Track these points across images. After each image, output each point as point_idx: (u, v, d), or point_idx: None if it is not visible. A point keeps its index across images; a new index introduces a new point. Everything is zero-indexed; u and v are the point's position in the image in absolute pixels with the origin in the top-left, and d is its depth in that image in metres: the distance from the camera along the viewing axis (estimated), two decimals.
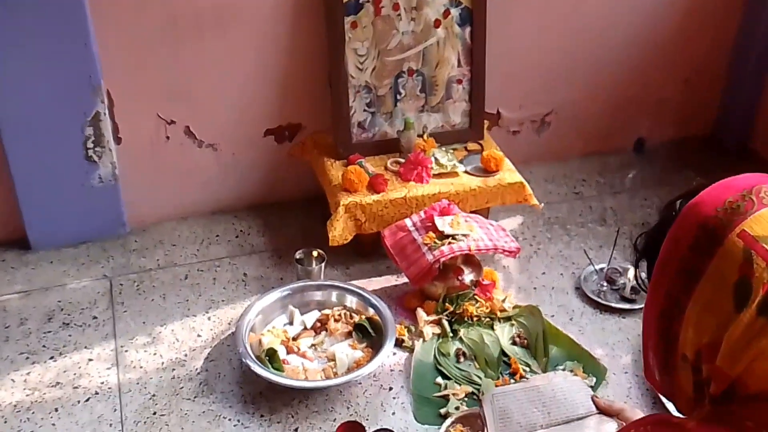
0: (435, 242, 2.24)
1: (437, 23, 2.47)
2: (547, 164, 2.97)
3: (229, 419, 1.99)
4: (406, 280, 2.40)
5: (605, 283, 2.42)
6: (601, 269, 2.47)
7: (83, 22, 2.20)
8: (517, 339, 2.21)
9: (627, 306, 2.35)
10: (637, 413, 1.65)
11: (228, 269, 2.49)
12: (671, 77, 3.00)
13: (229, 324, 2.28)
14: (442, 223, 2.28)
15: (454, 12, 2.47)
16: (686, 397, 1.03)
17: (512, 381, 2.08)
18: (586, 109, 2.94)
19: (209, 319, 2.30)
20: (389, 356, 2.12)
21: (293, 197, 2.75)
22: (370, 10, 2.40)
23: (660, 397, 1.98)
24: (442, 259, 2.22)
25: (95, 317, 2.29)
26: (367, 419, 2.00)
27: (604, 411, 1.72)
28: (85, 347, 2.19)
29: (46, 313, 2.30)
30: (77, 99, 2.31)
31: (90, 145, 2.39)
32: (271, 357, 2.08)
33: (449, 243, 2.24)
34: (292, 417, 2.00)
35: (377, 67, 2.47)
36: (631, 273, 2.41)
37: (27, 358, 2.15)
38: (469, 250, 2.25)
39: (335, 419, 2.00)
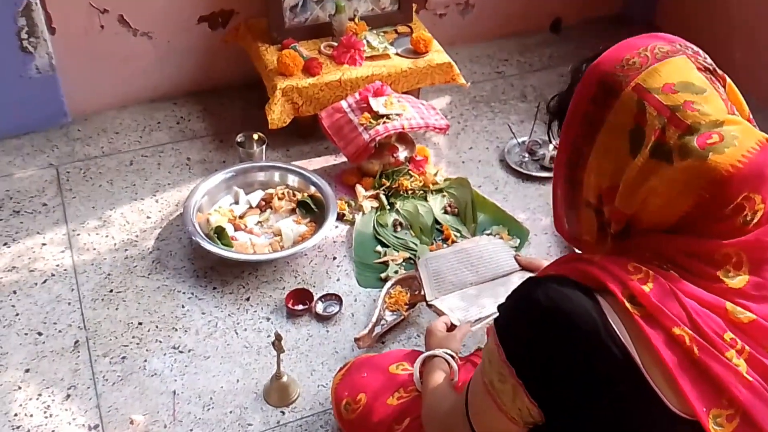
0: (370, 122, 2.22)
1: None
2: (471, 45, 2.93)
3: (183, 292, 1.99)
4: (344, 159, 2.39)
5: (527, 155, 2.46)
6: (523, 142, 2.50)
7: None
8: (448, 208, 2.24)
9: (547, 174, 2.39)
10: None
11: (171, 154, 2.42)
12: None
13: (177, 205, 2.24)
14: (377, 104, 2.25)
15: None
16: (591, 239, 1.08)
17: (444, 246, 2.13)
18: None
19: (157, 201, 2.25)
20: (332, 229, 2.14)
21: (230, 83, 2.66)
22: None
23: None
24: (378, 138, 2.20)
25: (45, 204, 2.22)
26: (313, 286, 2.03)
27: (525, 267, 1.79)
28: (38, 233, 2.13)
29: None
30: None
31: (24, 36, 2.23)
32: (219, 234, 2.06)
33: (384, 122, 2.22)
34: (243, 288, 2.01)
35: None
36: (551, 146, 2.44)
37: None
38: (402, 128, 2.23)
39: (284, 288, 2.02)
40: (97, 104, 2.53)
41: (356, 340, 1.86)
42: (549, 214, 2.26)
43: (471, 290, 1.78)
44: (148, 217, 2.20)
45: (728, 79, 1.01)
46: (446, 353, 1.51)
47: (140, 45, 2.46)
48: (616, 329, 0.91)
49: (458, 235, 2.17)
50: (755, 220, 0.94)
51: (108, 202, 2.24)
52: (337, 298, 1.98)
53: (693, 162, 0.90)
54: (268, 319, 1.94)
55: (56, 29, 2.31)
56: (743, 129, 0.93)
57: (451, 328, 1.65)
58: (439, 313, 1.73)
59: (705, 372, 0.91)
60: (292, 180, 2.26)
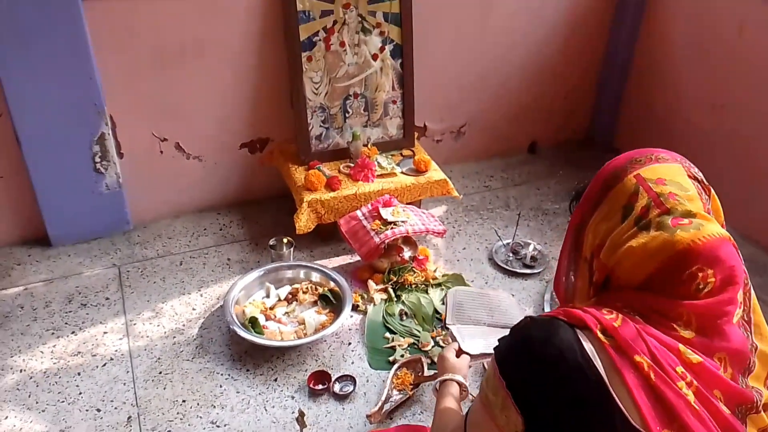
0: (381, 227, 2.25)
1: (375, 56, 2.47)
2: (463, 164, 3.00)
3: (221, 374, 1.96)
4: (358, 258, 2.40)
5: (511, 254, 2.46)
6: (508, 244, 2.51)
7: (87, 58, 2.13)
8: (446, 299, 2.24)
9: (528, 271, 2.39)
10: None
11: (215, 255, 2.44)
12: (556, 92, 3.05)
13: (218, 299, 2.24)
14: (386, 213, 2.29)
15: (388, 48, 2.47)
16: (583, 296, 1.15)
17: (443, 331, 2.11)
18: (492, 119, 2.97)
19: (201, 295, 2.26)
20: (348, 318, 2.12)
21: (265, 196, 2.71)
22: (321, 46, 2.38)
23: None
24: (387, 241, 2.23)
25: (107, 298, 2.23)
26: (331, 368, 1.99)
27: None
28: (100, 323, 2.13)
29: (66, 296, 2.23)
30: (85, 122, 2.23)
31: (98, 159, 2.31)
32: (253, 324, 2.06)
33: (392, 228, 2.25)
34: (272, 370, 1.99)
35: (329, 92, 2.45)
36: (531, 247, 2.46)
37: (52, 333, 2.08)
38: (407, 232, 2.26)
39: (306, 370, 1.99)
40: (155, 214, 2.58)
41: (368, 416, 1.81)
42: (532, 304, 2.25)
43: (483, 329, 1.76)
44: (194, 309, 2.20)
45: (713, 191, 1.11)
46: (458, 378, 1.54)
47: (192, 166, 2.53)
48: (590, 356, 0.97)
49: None
50: (707, 290, 1.00)
51: (160, 296, 2.24)
52: (352, 379, 1.94)
53: (664, 234, 0.99)
54: (293, 397, 1.90)
55: (124, 154, 2.39)
56: (711, 223, 1.02)
57: (459, 353, 1.66)
58: (452, 337, 1.72)
59: (660, 396, 0.95)
60: (315, 276, 2.26)
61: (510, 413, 1.02)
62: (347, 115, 2.51)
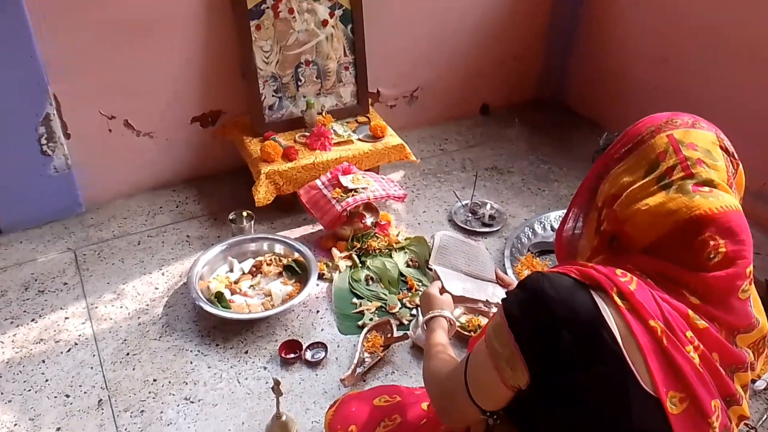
0: (342, 195, 2.24)
1: (325, 23, 2.43)
2: (417, 129, 3.00)
3: (191, 351, 1.94)
4: (320, 227, 2.40)
5: (470, 214, 2.50)
6: (466, 204, 2.54)
7: (28, 36, 2.03)
8: (410, 262, 2.26)
9: (487, 229, 2.43)
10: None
11: (173, 233, 2.39)
12: (505, 54, 3.07)
13: (180, 276, 2.20)
14: (346, 180, 2.28)
15: (338, 13, 2.44)
16: (586, 250, 1.13)
17: (409, 293, 2.14)
18: (444, 83, 2.97)
19: (163, 274, 2.21)
20: (314, 287, 2.11)
21: (220, 170, 2.66)
22: (270, 14, 2.32)
23: None
24: (349, 208, 2.22)
25: (65, 283, 2.16)
26: (302, 337, 2.00)
27: (500, 280, 1.75)
28: (60, 308, 2.07)
29: (22, 284, 2.15)
30: (29, 103, 2.14)
31: (44, 141, 2.22)
32: (219, 298, 2.03)
33: (352, 195, 2.25)
34: (242, 343, 1.98)
35: (280, 60, 2.41)
36: (488, 206, 2.49)
37: (11, 322, 2.01)
38: (368, 199, 2.26)
39: (277, 340, 1.98)
40: (108, 194, 2.50)
41: (342, 380, 1.83)
42: (494, 261, 2.28)
43: (459, 275, 1.76)
44: (156, 288, 2.16)
45: (741, 166, 1.10)
46: (446, 314, 1.50)
47: (143, 143, 2.46)
48: (606, 318, 0.96)
49: (420, 283, 2.18)
50: (716, 259, 0.99)
51: (121, 278, 2.19)
52: (323, 346, 1.95)
53: (682, 197, 0.98)
54: (265, 368, 1.90)
55: (71, 134, 2.30)
56: (730, 196, 1.01)
57: (441, 291, 1.61)
58: (435, 277, 1.71)
59: (670, 360, 0.96)
60: (278, 248, 2.25)
61: (517, 367, 1.01)
62: (300, 83, 2.47)
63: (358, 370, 1.86)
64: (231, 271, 2.19)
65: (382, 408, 1.55)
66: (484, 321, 2.00)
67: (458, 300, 1.69)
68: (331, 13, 2.42)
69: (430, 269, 1.79)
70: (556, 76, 3.18)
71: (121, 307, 2.08)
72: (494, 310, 1.70)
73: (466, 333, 1.97)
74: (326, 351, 1.93)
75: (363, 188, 2.27)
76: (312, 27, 2.41)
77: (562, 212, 2.47)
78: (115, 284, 2.17)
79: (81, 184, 2.39)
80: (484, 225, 2.45)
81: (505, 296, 1.09)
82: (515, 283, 1.76)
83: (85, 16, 2.13)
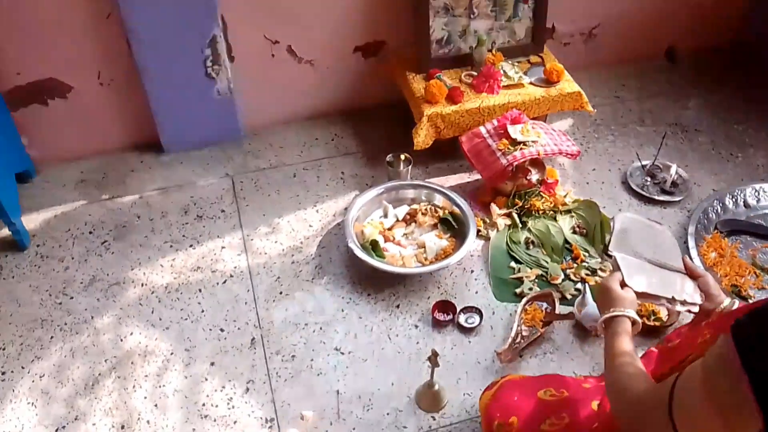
0: (508, 148, 2.03)
1: None
2: (591, 71, 2.67)
3: (342, 297, 1.88)
4: (476, 177, 2.22)
5: (648, 178, 2.21)
6: (644, 166, 2.25)
7: None
8: (577, 228, 2.04)
9: (667, 198, 2.15)
10: (714, 284, 1.46)
11: (328, 168, 2.31)
12: None
13: (334, 216, 2.13)
14: (514, 131, 2.06)
15: None
16: None
17: (575, 264, 1.94)
18: (627, 21, 2.60)
19: (317, 212, 2.15)
20: (472, 245, 1.96)
21: (377, 104, 2.51)
22: None
23: None
24: (515, 163, 2.02)
25: (223, 210, 2.15)
26: (455, 297, 1.88)
27: (689, 271, 1.50)
28: (218, 236, 2.07)
29: (182, 207, 2.16)
30: (197, 24, 2.06)
31: (209, 63, 2.16)
32: (374, 247, 1.94)
33: (521, 149, 2.03)
34: (394, 296, 1.89)
35: None
36: (672, 170, 2.19)
37: (171, 246, 2.04)
38: (538, 154, 2.03)
39: (429, 297, 1.88)
40: (266, 121, 2.44)
41: (498, 354, 1.70)
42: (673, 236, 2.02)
43: (643, 264, 1.53)
44: (311, 226, 2.10)
45: None
46: (630, 314, 1.31)
47: (304, 71, 2.35)
48: None
49: (587, 254, 1.97)
50: None
51: (276, 211, 2.15)
52: (478, 311, 1.82)
53: None
54: (416, 326, 1.81)
55: (235, 57, 2.23)
56: None
57: (622, 285, 1.40)
58: (615, 266, 1.51)
59: None
60: (436, 198, 2.10)
61: (745, 413, 0.84)
62: (472, 16, 2.22)
63: (515, 345, 1.72)
64: (385, 216, 2.08)
65: (548, 403, 1.41)
66: (662, 311, 1.77)
67: (640, 296, 1.47)
68: None
69: (610, 255, 1.57)
70: (762, 23, 2.69)
71: (276, 242, 2.05)
72: (679, 308, 1.47)
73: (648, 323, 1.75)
74: (481, 317, 1.80)
75: (533, 141, 2.05)
76: None
77: (759, 185, 2.12)
78: (271, 217, 2.13)
79: (241, 109, 2.34)
80: (664, 192, 2.17)
81: (735, 324, 0.89)
82: (706, 274, 1.52)
83: None
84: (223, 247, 2.03)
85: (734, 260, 1.92)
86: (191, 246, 2.04)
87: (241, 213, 2.14)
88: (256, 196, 2.20)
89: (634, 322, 1.37)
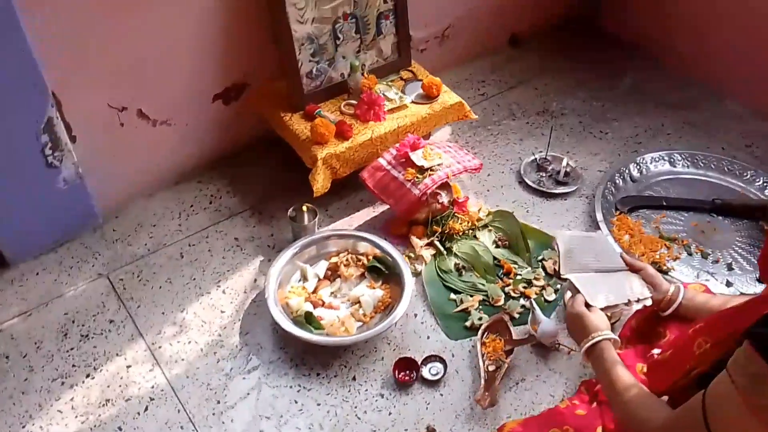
0: (417, 177, 1.92)
1: None
2: (449, 71, 2.64)
3: (290, 386, 1.66)
4: (383, 208, 2.09)
5: (542, 173, 2.24)
6: (533, 160, 2.28)
7: (12, 18, 1.53)
8: (499, 242, 2.00)
9: (565, 189, 2.19)
10: (655, 273, 1.55)
11: (218, 238, 2.02)
12: None
13: (245, 292, 1.87)
14: (417, 158, 1.95)
15: None
16: None
17: (510, 280, 1.90)
18: (475, 16, 2.59)
19: (224, 292, 1.87)
20: (411, 289, 1.82)
21: (250, 151, 2.25)
22: None
23: None
24: (428, 191, 1.91)
25: (111, 320, 1.80)
26: (409, 350, 1.75)
27: (630, 266, 1.57)
28: (117, 354, 1.72)
29: (58, 329, 1.77)
30: (26, 108, 1.66)
31: (48, 151, 1.76)
32: (308, 319, 1.74)
33: (429, 175, 1.93)
34: (345, 367, 1.71)
35: (316, 17, 1.98)
36: (564, 161, 2.23)
37: (62, 383, 1.65)
38: (447, 177, 1.95)
39: (383, 358, 1.73)
40: (127, 198, 2.08)
41: (477, 401, 1.61)
42: (582, 226, 2.07)
43: (592, 276, 1.55)
44: (223, 312, 1.83)
45: None
46: (611, 336, 1.36)
47: (161, 133, 2.02)
48: None
49: (516, 266, 1.93)
50: None
51: (175, 304, 1.84)
52: (439, 359, 1.71)
53: None
54: (382, 395, 1.65)
55: (76, 137, 1.84)
56: None
57: (585, 306, 1.44)
58: (571, 288, 1.50)
59: None
60: (359, 245, 1.92)
61: None
62: (338, 42, 2.06)
63: (489, 386, 1.63)
64: (305, 279, 1.87)
65: None
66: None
67: (604, 311, 1.48)
68: None
69: (564, 280, 1.56)
70: None
71: (189, 342, 1.75)
72: (636, 306, 1.51)
73: None
74: (444, 364, 1.69)
75: (438, 165, 1.96)
76: None
77: (645, 156, 2.24)
78: (172, 313, 1.82)
79: (94, 192, 1.96)
80: (559, 183, 2.21)
81: (756, 338, 0.93)
82: (645, 266, 1.57)
83: None
84: (128, 366, 1.69)
85: (644, 237, 2.01)
86: (88, 376, 1.67)
87: (135, 318, 1.80)
88: (144, 292, 1.87)
89: (615, 344, 1.37)
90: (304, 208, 1.96)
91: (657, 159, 2.26)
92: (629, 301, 1.50)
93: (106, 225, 2.03)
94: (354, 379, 1.68)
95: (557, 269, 1.57)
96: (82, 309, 1.82)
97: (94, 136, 1.88)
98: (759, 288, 1.86)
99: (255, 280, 1.90)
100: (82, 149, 1.86)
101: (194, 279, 1.90)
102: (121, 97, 1.87)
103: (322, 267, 1.89)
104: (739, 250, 2.00)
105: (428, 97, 2.14)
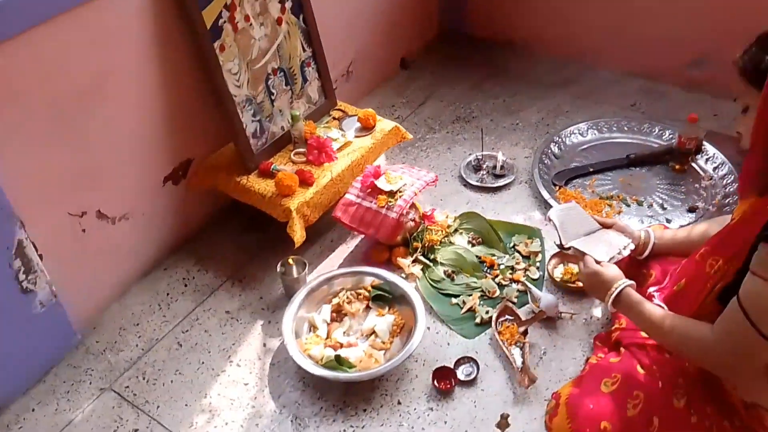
0: (390, 201, 2.02)
1: (279, 20, 2.07)
2: (360, 104, 2.74)
3: (345, 430, 1.67)
4: (358, 242, 2.17)
5: (482, 172, 2.42)
6: (468, 163, 2.46)
7: None
8: (473, 241, 2.15)
9: (506, 181, 2.39)
10: (624, 224, 1.80)
11: (209, 317, 1.97)
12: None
13: (260, 359, 1.85)
14: (383, 184, 2.05)
15: (288, 5, 2.09)
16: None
17: (497, 271, 2.05)
18: (372, 47, 2.75)
19: (238, 365, 1.84)
20: (421, 307, 1.88)
21: (210, 221, 2.24)
22: (228, 29, 1.91)
23: None
24: (403, 211, 2.01)
25: (136, 430, 1.70)
26: (437, 361, 1.83)
27: (603, 224, 1.82)
28: None
29: None
30: None
31: (22, 276, 1.65)
32: (339, 361, 1.76)
33: (399, 196, 2.04)
34: (386, 395, 1.75)
35: (250, 78, 2.02)
36: (499, 155, 2.43)
37: None
38: (416, 194, 2.07)
39: (416, 375, 1.79)
40: (99, 305, 1.97)
41: (520, 383, 1.72)
42: (534, 208, 2.26)
43: (590, 238, 1.75)
44: (245, 384, 1.79)
45: None
46: (629, 282, 1.52)
47: (121, 229, 1.94)
48: None
49: (496, 257, 2.08)
50: None
51: (195, 392, 1.77)
52: (469, 360, 1.80)
53: None
54: (431, 408, 1.71)
55: (43, 255, 1.74)
56: None
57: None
58: (577, 254, 1.69)
59: None
60: (356, 282, 1.97)
61: None
62: (272, 97, 2.11)
63: (523, 366, 1.75)
64: (314, 329, 1.89)
65: (617, 392, 1.51)
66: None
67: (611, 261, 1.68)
68: (282, 8, 2.07)
69: (568, 249, 1.75)
70: (452, 5, 3.12)
71: (226, 423, 1.70)
72: (625, 253, 1.73)
73: (571, 285, 1.96)
74: (476, 364, 1.79)
75: (403, 185, 2.07)
76: (269, 30, 2.05)
77: (560, 134, 2.50)
78: (195, 402, 1.75)
79: (68, 308, 1.84)
80: (498, 177, 2.40)
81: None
82: (614, 221, 1.80)
83: (14, 97, 1.56)
84: None
85: (588, 202, 2.26)
86: None
87: (160, 419, 1.72)
88: (157, 391, 1.78)
89: (632, 286, 1.55)
90: (291, 261, 1.98)
91: (569, 134, 2.54)
92: (620, 251, 1.72)
93: (87, 339, 1.91)
94: (399, 403, 1.73)
95: (558, 242, 1.76)
96: (99, 429, 1.70)
97: (59, 249, 1.78)
98: (691, 217, 2.16)
99: (264, 345, 1.89)
100: (50, 265, 1.76)
101: (203, 363, 1.85)
102: (79, 202, 1.79)
103: (326, 311, 1.92)
104: (663, 190, 2.31)
105: (366, 128, 2.25)
